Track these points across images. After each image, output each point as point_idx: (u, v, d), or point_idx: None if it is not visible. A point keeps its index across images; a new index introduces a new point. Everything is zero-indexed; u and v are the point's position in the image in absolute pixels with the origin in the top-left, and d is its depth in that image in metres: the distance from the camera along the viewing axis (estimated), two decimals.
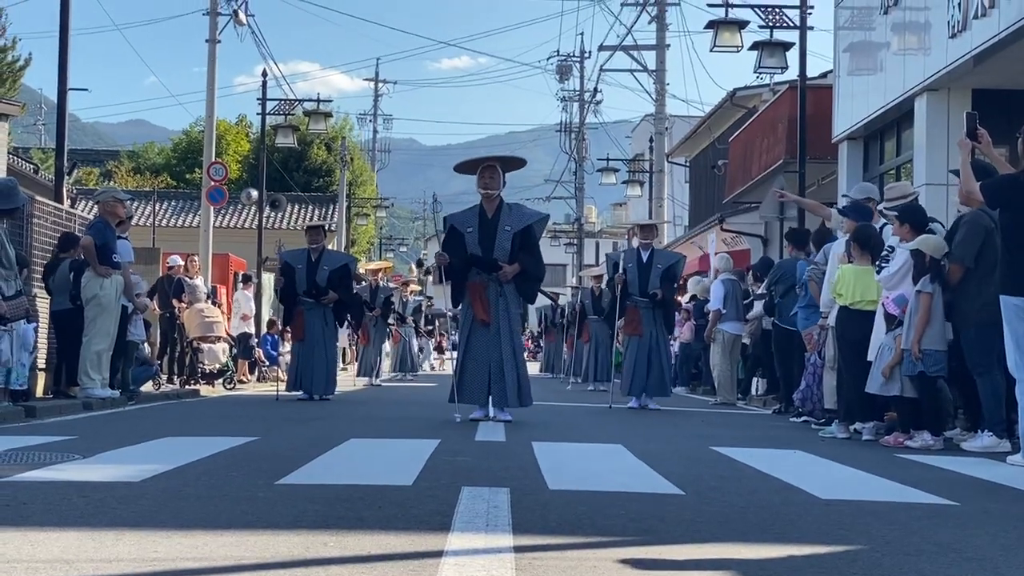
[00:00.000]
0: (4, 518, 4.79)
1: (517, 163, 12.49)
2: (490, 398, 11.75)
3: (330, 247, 20.04)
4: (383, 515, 5.04)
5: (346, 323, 19.02)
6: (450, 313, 13.89)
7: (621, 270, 15.58)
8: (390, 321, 25.37)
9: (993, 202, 8.94)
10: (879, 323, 10.39)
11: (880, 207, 11.34)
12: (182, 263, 20.08)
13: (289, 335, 18.19)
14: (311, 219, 44.93)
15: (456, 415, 11.51)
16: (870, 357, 10.38)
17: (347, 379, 24.18)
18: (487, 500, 5.46)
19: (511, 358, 11.70)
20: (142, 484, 5.90)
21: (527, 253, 11.91)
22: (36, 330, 13.21)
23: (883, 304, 10.25)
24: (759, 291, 17.37)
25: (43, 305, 14.30)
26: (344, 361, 35.51)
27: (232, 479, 6.18)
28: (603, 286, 23.52)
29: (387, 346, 26.48)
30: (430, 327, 42.20)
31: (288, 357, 19.17)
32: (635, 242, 18.67)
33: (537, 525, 4.87)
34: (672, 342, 19.82)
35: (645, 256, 15.82)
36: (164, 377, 18.51)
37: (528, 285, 12.16)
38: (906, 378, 9.97)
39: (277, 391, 16.83)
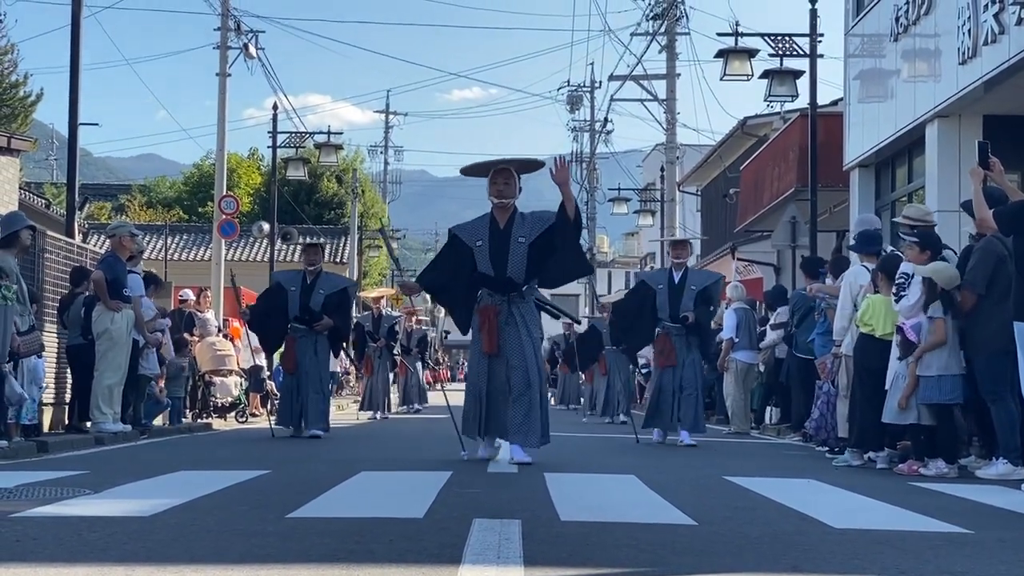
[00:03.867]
0: (15, 553, 4.78)
1: (534, 166, 10.88)
2: (498, 436, 10.46)
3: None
4: (394, 548, 5.02)
5: (341, 354, 17.54)
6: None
7: (632, 291, 14.35)
8: (396, 352, 24.13)
9: (1006, 229, 8.94)
10: (894, 351, 10.35)
11: (899, 219, 11.32)
12: (194, 297, 20.10)
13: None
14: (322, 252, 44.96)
15: (464, 453, 10.45)
16: (886, 386, 10.35)
17: (350, 414, 23.95)
18: (498, 532, 5.43)
19: (536, 390, 10.19)
20: (153, 519, 5.88)
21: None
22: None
23: (902, 331, 10.16)
24: (772, 320, 17.37)
25: (49, 339, 14.29)
26: (338, 392, 35.08)
27: (243, 513, 6.16)
28: None
29: (392, 378, 25.24)
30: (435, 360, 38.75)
31: None
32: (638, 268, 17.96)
33: (548, 557, 4.84)
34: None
35: (677, 276, 14.11)
36: None
37: (570, 254, 10.32)
38: (922, 406, 9.94)
39: (271, 428, 15.17)
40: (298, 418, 14.62)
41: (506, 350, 10.20)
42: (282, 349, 15.61)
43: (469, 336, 10.67)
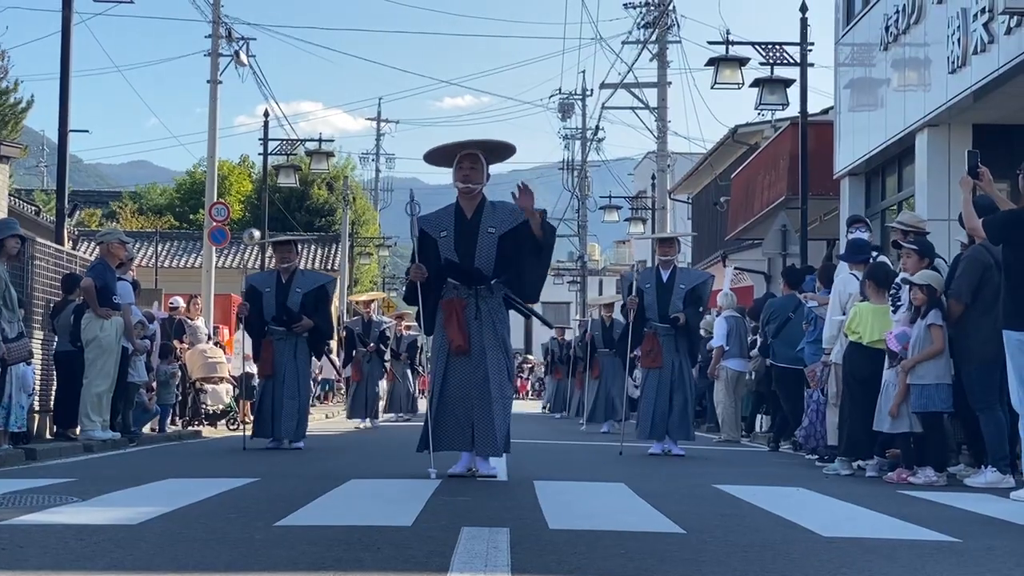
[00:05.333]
0: (0, 562, 4.76)
1: (505, 150, 9.85)
2: (462, 448, 9.40)
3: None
4: (381, 556, 5.01)
5: (324, 355, 16.46)
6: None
7: (634, 292, 13.56)
8: (386, 358, 23.16)
9: (995, 238, 8.96)
10: (887, 359, 10.37)
11: (894, 224, 11.36)
12: (183, 304, 20.08)
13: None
14: (313, 259, 45.02)
15: (431, 470, 9.11)
16: (879, 394, 10.35)
17: (339, 422, 23.79)
18: (486, 540, 5.42)
19: (498, 395, 9.29)
20: (140, 527, 5.86)
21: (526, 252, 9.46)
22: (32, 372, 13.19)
23: (886, 341, 10.21)
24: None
25: (37, 346, 14.24)
26: (331, 399, 34.72)
27: (231, 521, 6.14)
28: (614, 315, 22.10)
29: (383, 385, 24.42)
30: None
31: None
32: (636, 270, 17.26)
33: (536, 565, 4.84)
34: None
35: (665, 275, 13.59)
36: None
37: (534, 269, 9.56)
38: (914, 415, 9.94)
39: (244, 438, 14.00)
40: (278, 427, 13.62)
41: (475, 350, 9.32)
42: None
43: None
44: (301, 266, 15.05)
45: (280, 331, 13.71)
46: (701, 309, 14.37)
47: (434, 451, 9.29)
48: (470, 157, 9.51)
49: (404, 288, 9.95)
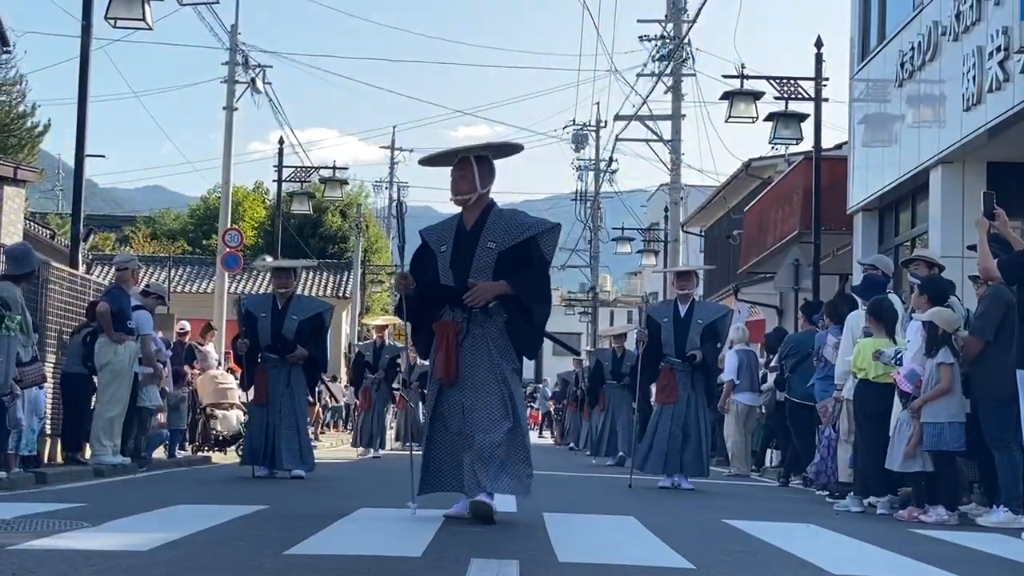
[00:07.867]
0: None
1: (507, 150, 8.76)
2: (455, 488, 8.22)
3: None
4: None
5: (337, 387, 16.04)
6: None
7: (644, 325, 13.32)
8: (395, 385, 22.39)
9: (1010, 278, 8.99)
10: (898, 397, 10.35)
11: (915, 254, 11.39)
12: (189, 328, 20.09)
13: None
14: (325, 285, 45.05)
15: (411, 504, 8.19)
16: (890, 433, 10.33)
17: (344, 450, 23.66)
18: (496, 572, 5.41)
19: (486, 429, 7.93)
20: (149, 553, 5.86)
21: (525, 273, 8.14)
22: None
23: (895, 381, 10.20)
24: (773, 363, 17.35)
25: (49, 370, 14.26)
26: (319, 429, 34.39)
27: (240, 548, 6.14)
28: (626, 346, 21.67)
29: (390, 414, 23.99)
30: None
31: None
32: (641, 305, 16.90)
33: None
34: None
35: (683, 309, 13.26)
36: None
37: (523, 328, 8.21)
38: (927, 454, 9.92)
39: (253, 466, 13.34)
40: (270, 457, 13.19)
41: (467, 380, 8.07)
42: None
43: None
44: (314, 293, 14.98)
45: (273, 359, 13.35)
46: (719, 345, 14.08)
47: (423, 493, 8.31)
48: (459, 165, 8.33)
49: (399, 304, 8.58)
